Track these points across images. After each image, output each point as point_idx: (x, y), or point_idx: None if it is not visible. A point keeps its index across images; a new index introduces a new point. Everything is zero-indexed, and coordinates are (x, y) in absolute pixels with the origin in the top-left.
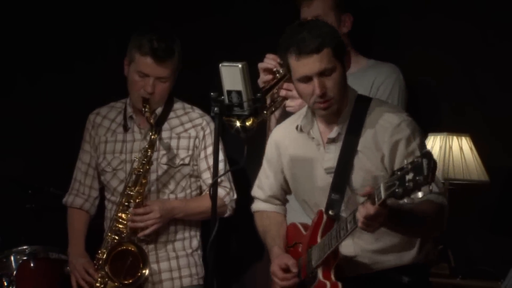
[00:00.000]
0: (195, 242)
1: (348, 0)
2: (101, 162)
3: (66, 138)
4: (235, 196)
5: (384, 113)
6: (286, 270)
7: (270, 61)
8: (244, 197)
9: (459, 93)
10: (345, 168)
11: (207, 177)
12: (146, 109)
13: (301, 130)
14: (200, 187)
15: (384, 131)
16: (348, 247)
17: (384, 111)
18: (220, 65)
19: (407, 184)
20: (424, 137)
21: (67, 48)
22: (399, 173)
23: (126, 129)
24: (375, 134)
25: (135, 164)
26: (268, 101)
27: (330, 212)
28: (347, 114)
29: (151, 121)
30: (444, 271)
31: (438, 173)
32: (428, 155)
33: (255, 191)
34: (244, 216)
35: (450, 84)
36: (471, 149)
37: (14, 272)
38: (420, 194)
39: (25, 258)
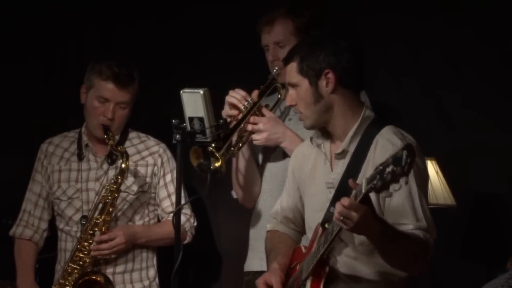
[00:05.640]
0: (152, 272)
1: (309, 24)
2: (55, 190)
3: (23, 169)
4: (196, 223)
5: (391, 136)
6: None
7: (236, 94)
8: (202, 228)
9: (424, 117)
10: (347, 185)
11: (167, 205)
12: (109, 136)
13: (314, 143)
14: (157, 216)
15: (384, 151)
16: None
17: (392, 134)
18: (182, 91)
19: (385, 176)
20: (424, 175)
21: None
22: (380, 167)
23: (80, 158)
24: (376, 154)
25: (103, 192)
26: (235, 137)
27: (326, 225)
28: (356, 134)
29: (120, 148)
30: None
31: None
32: (409, 147)
33: (274, 209)
34: (202, 243)
35: (415, 107)
36: (437, 172)
37: None
38: (397, 186)
39: None
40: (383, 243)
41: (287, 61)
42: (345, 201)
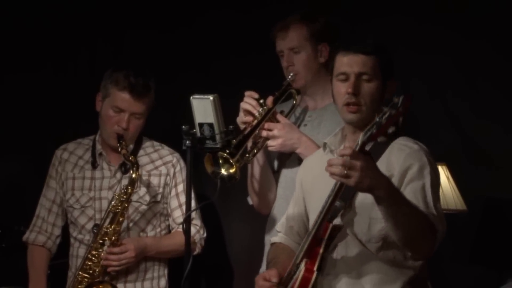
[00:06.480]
0: (163, 282)
1: (324, 29)
2: (69, 198)
3: (36, 175)
4: (205, 234)
5: (407, 142)
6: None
7: (250, 100)
8: (214, 236)
9: (434, 123)
10: None
11: (178, 215)
12: (122, 145)
13: (327, 148)
14: (168, 226)
15: (400, 153)
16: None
17: (407, 141)
18: (191, 97)
19: (381, 121)
20: (438, 179)
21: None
22: (377, 119)
23: (94, 166)
24: (390, 154)
25: (114, 202)
26: (250, 144)
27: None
28: None
29: (131, 158)
30: None
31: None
32: (407, 94)
33: (279, 222)
34: (214, 250)
35: (425, 113)
36: (448, 178)
37: None
38: (391, 130)
39: None
40: (390, 202)
41: (367, 52)
42: (345, 150)
